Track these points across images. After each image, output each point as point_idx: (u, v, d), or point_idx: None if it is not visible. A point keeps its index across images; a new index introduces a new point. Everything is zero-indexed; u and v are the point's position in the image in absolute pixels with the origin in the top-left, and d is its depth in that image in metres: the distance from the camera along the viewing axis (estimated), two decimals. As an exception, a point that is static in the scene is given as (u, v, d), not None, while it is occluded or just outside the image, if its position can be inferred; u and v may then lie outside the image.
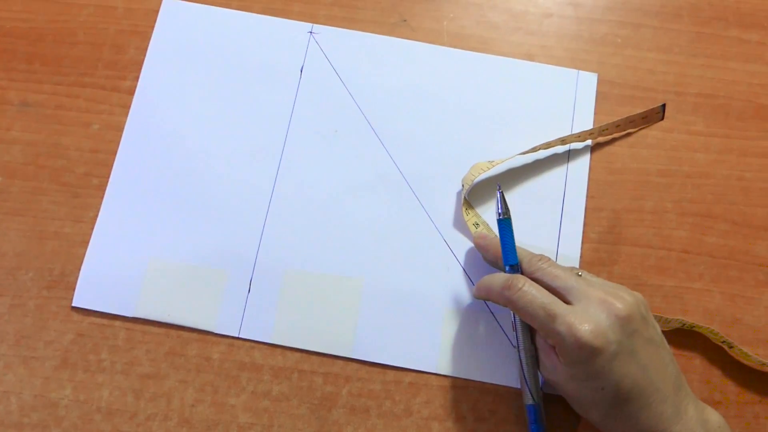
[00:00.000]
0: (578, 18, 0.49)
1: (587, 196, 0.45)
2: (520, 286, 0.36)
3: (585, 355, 0.34)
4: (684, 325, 0.41)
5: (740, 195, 0.45)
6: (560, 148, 0.45)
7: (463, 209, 0.43)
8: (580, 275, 0.38)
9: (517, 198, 0.44)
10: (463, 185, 0.44)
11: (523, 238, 0.43)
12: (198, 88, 0.46)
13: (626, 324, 0.35)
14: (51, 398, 0.41)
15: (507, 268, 0.39)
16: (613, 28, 0.49)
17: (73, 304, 0.42)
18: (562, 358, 0.35)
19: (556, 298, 0.36)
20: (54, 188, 0.44)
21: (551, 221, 0.44)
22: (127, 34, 0.47)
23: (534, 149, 0.44)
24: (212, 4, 0.48)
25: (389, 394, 0.41)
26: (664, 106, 0.45)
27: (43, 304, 0.42)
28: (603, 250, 0.44)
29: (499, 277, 0.38)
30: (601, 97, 0.47)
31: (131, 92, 0.46)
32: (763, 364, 0.41)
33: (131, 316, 0.42)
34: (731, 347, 0.41)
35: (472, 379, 0.41)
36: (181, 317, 0.42)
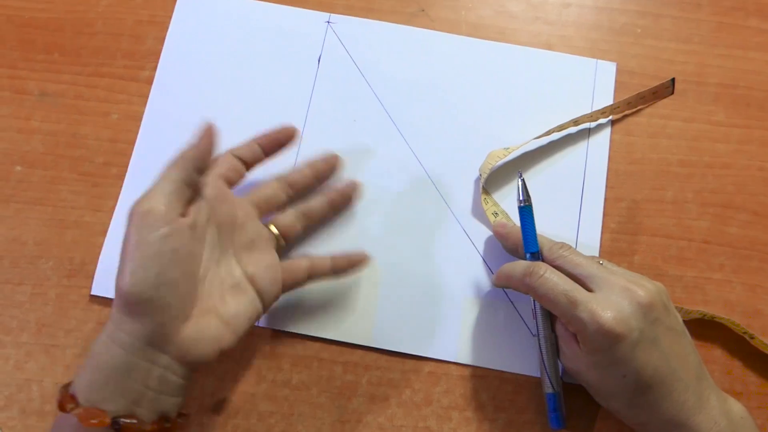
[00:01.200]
0: (597, 8, 0.48)
1: (607, 186, 0.44)
2: (541, 273, 0.36)
3: (607, 342, 0.34)
4: (705, 315, 0.41)
5: (761, 185, 0.45)
6: (579, 139, 0.45)
7: (482, 198, 0.43)
8: (602, 264, 0.38)
9: (536, 188, 0.44)
10: (480, 174, 0.44)
11: (543, 228, 0.42)
12: (215, 77, 0.46)
13: (648, 312, 0.34)
14: (72, 386, 0.41)
15: (528, 255, 0.39)
16: (633, 17, 0.48)
17: (91, 293, 0.42)
18: (583, 346, 0.35)
19: (577, 285, 0.36)
20: (73, 178, 0.44)
21: (571, 211, 0.44)
22: (146, 24, 0.48)
23: (547, 132, 0.44)
24: (230, -6, 0.48)
25: (409, 383, 0.41)
26: (673, 80, 0.45)
27: (63, 293, 0.42)
28: (623, 240, 0.44)
29: (520, 265, 0.38)
30: (620, 86, 0.46)
31: (149, 82, 0.46)
32: None
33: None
34: (752, 338, 0.41)
35: (491, 368, 0.41)
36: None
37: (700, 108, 0.46)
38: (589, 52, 0.47)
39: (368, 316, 0.42)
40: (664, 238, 0.44)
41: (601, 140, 0.45)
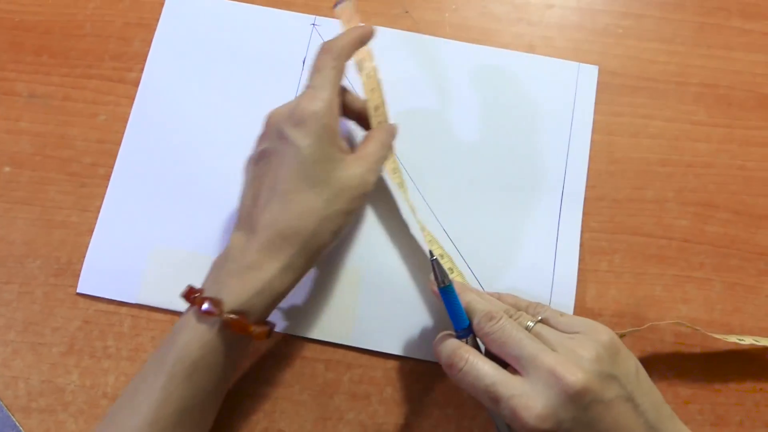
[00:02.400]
0: (580, 9, 0.49)
1: (588, 186, 0.45)
2: (461, 366, 0.33)
3: None
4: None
5: (742, 184, 0.45)
6: (560, 138, 0.45)
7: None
8: (541, 320, 0.35)
9: (516, 187, 0.44)
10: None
11: (522, 230, 0.43)
12: (201, 79, 0.47)
13: (580, 398, 0.31)
14: (58, 384, 0.41)
15: (458, 332, 0.36)
16: (615, 18, 0.49)
17: (77, 291, 0.43)
18: None
19: (501, 374, 0.32)
20: (61, 178, 0.45)
21: (550, 211, 0.44)
22: (133, 26, 0.48)
23: None
24: (216, -3, 0.49)
25: (390, 381, 0.42)
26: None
27: (50, 292, 0.43)
28: (603, 239, 0.44)
29: (445, 350, 0.35)
30: (602, 87, 0.47)
31: (136, 84, 0.47)
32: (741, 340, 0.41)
33: (134, 302, 0.42)
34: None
35: (472, 366, 0.42)
36: (183, 304, 0.42)
37: (681, 108, 0.47)
38: (571, 52, 0.48)
39: (349, 316, 0.42)
40: (644, 237, 0.44)
41: (582, 139, 0.46)
